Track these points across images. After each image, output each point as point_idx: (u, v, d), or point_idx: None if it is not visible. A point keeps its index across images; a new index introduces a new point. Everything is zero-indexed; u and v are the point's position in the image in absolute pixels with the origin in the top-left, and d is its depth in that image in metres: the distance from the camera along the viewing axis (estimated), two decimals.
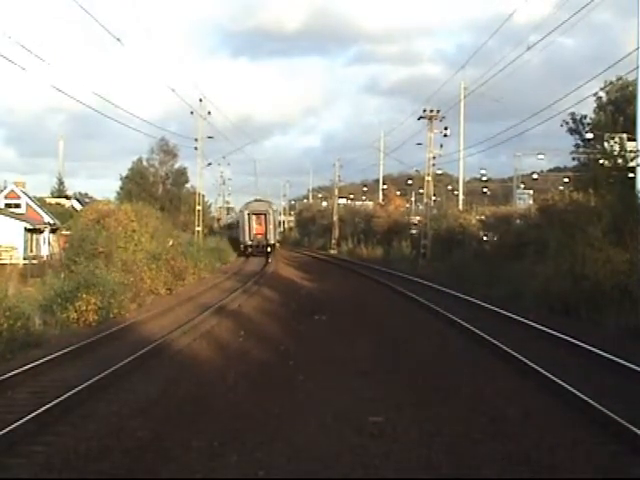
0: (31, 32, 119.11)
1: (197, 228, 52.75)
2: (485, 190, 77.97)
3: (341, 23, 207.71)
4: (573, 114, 45.69)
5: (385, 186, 78.13)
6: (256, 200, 56.71)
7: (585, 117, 46.53)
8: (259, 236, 51.84)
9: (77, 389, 10.72)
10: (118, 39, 27.77)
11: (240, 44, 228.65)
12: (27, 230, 43.82)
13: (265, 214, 53.27)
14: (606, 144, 26.13)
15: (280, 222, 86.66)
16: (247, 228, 52.70)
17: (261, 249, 51.10)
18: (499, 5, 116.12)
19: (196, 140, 52.71)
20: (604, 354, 13.43)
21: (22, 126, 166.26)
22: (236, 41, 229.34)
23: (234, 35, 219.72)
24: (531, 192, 67.27)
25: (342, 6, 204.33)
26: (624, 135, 26.73)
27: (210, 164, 59.83)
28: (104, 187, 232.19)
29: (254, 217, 52.54)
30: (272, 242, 52.21)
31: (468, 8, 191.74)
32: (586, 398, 9.98)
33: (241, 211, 55.89)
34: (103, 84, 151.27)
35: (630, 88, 38.01)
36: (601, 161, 25.54)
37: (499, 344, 14.87)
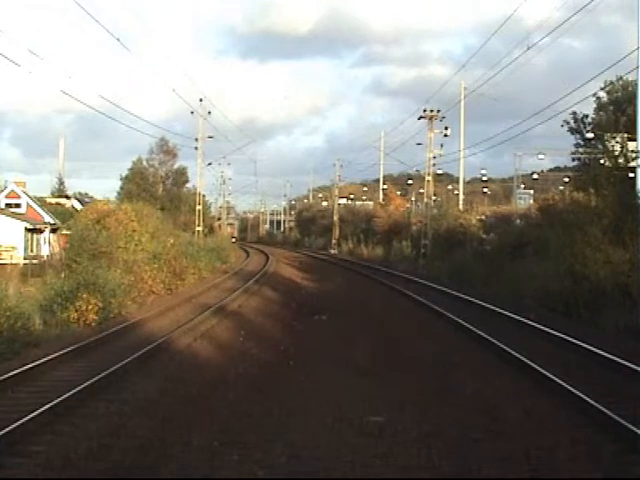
0: (36, 35, 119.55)
1: (197, 228, 52.81)
2: (486, 190, 77.89)
3: (350, 25, 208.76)
4: (574, 113, 45.63)
5: (385, 186, 78.11)
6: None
7: (586, 117, 46.48)
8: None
9: (77, 389, 10.70)
10: (118, 39, 27.80)
11: (250, 46, 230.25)
12: (27, 230, 43.77)
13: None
14: (607, 144, 26.10)
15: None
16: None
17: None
18: (507, 7, 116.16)
19: (196, 140, 52.85)
20: (604, 354, 13.42)
21: (28, 126, 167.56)
22: (246, 43, 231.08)
23: (245, 37, 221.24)
24: (532, 192, 67.29)
25: (351, 8, 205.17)
26: (625, 135, 26.71)
27: (210, 164, 60.12)
28: (106, 187, 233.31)
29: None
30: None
31: (476, 10, 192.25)
32: (586, 398, 9.98)
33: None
34: (110, 85, 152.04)
35: (630, 88, 37.98)
36: (602, 161, 25.54)
37: (499, 344, 14.87)
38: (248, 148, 74.89)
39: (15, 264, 34.65)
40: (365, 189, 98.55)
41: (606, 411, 9.26)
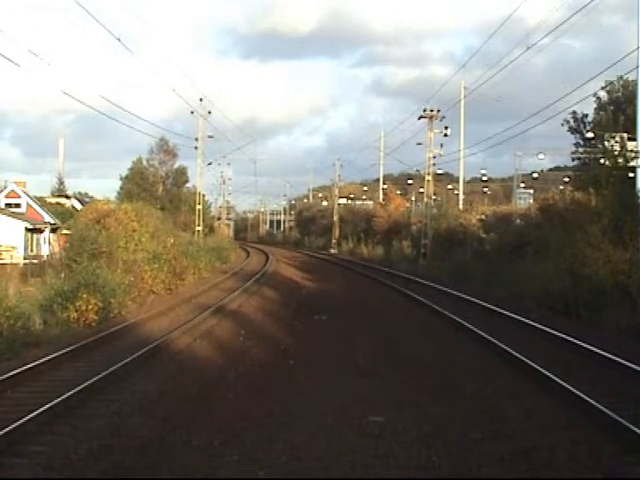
0: (37, 35, 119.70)
1: (197, 228, 52.83)
2: (486, 190, 77.90)
3: (351, 25, 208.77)
4: (574, 113, 45.73)
5: (385, 186, 78.13)
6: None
7: (586, 116, 46.53)
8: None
9: (77, 389, 10.70)
10: (118, 39, 27.79)
11: (251, 46, 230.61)
12: (27, 230, 43.75)
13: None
14: (606, 143, 26.12)
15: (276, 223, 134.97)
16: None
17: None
18: (508, 7, 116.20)
19: (196, 140, 52.90)
20: (605, 354, 13.41)
21: (28, 126, 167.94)
22: (247, 43, 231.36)
23: (245, 37, 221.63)
24: (532, 192, 67.28)
25: (352, 8, 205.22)
26: (624, 135, 26.72)
27: (210, 164, 60.16)
28: (106, 187, 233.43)
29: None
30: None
31: (477, 10, 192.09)
32: (587, 398, 9.97)
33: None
34: (111, 85, 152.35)
35: (630, 88, 37.98)
36: (602, 160, 25.55)
37: (499, 344, 14.87)
38: (248, 148, 74.94)
39: (15, 264, 34.57)
40: (365, 189, 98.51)
41: (606, 411, 9.25)
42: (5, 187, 53.95)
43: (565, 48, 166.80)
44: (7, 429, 8.47)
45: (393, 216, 60.69)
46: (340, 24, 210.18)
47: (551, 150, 61.20)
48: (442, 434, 8.73)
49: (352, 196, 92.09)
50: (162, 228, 33.58)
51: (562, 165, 68.01)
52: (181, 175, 66.88)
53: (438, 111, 46.74)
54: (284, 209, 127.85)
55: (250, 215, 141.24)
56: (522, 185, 68.10)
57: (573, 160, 47.91)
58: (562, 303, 20.81)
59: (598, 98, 44.00)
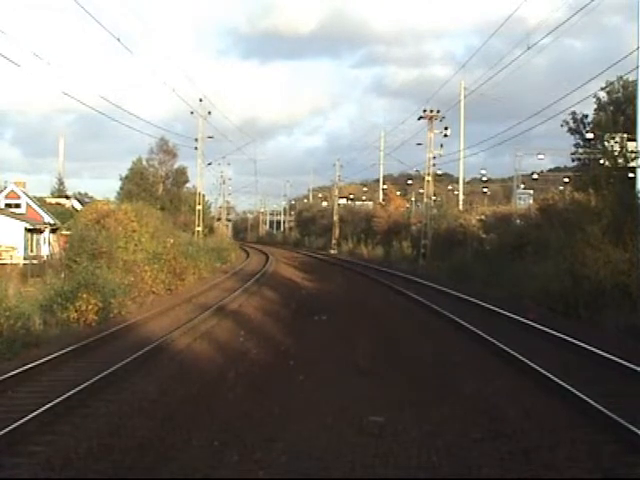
0: (37, 35, 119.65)
1: (197, 228, 52.83)
2: (485, 190, 77.96)
3: (351, 25, 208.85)
4: (574, 113, 45.65)
5: (385, 186, 78.16)
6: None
7: (586, 117, 46.47)
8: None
9: (77, 389, 10.71)
10: (118, 39, 27.80)
11: (251, 46, 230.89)
12: (27, 230, 43.73)
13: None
14: (606, 144, 26.11)
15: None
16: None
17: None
18: (510, 7, 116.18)
19: (196, 140, 52.92)
20: (604, 354, 13.42)
21: (29, 127, 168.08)
22: (247, 43, 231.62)
23: (246, 37, 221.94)
24: (532, 192, 67.34)
25: (353, 9, 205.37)
26: (624, 135, 26.71)
27: (210, 164, 60.22)
28: (106, 187, 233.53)
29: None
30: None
31: (478, 10, 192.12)
32: (586, 398, 9.98)
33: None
34: (111, 85, 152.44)
35: (630, 88, 37.96)
36: (601, 161, 25.56)
37: (499, 344, 14.88)
38: (248, 148, 74.86)
39: (15, 264, 34.60)
40: (365, 189, 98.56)
41: (606, 411, 9.26)
42: (5, 187, 53.92)
43: (566, 48, 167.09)
44: (7, 429, 8.48)
45: (393, 216, 60.73)
46: (341, 24, 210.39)
47: (551, 150, 61.35)
48: (442, 434, 8.73)
49: (352, 196, 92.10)
50: (162, 228, 33.58)
51: (562, 166, 68.05)
52: (181, 175, 66.84)
53: (438, 111, 46.84)
54: (284, 209, 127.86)
55: (250, 215, 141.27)
56: (522, 185, 68.14)
57: (573, 161, 47.86)
58: (562, 303, 20.81)
59: (598, 98, 43.95)
